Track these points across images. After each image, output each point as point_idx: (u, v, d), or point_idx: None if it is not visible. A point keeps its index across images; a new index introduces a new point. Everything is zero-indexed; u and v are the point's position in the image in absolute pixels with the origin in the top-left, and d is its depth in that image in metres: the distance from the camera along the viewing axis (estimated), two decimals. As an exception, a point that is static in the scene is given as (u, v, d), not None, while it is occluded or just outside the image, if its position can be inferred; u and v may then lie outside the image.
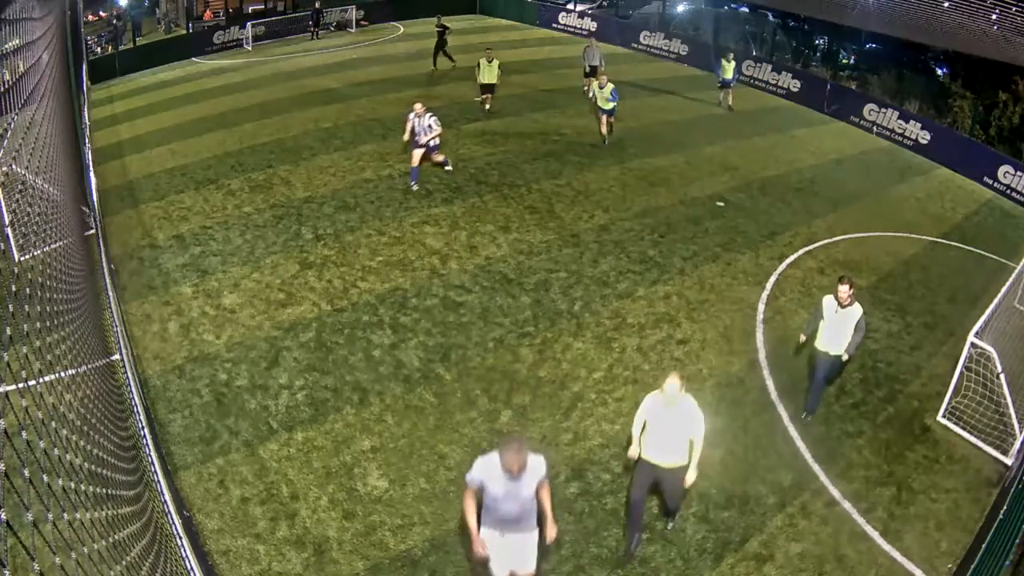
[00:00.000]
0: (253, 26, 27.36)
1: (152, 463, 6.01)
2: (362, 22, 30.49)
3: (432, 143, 13.20)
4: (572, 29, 29.58)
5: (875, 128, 19.44)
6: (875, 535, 6.74)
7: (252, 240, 11.38)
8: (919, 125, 18.61)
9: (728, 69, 20.10)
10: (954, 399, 8.34)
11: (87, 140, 13.68)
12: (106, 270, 8.97)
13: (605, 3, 34.76)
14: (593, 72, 19.37)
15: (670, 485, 6.14)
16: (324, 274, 10.41)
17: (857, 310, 7.60)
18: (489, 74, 17.74)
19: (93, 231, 10.35)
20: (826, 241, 12.55)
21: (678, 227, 12.56)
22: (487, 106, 18.20)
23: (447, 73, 22.19)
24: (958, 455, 7.88)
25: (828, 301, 7.73)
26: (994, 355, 8.87)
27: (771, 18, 29.46)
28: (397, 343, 9.03)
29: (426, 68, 22.85)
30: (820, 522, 6.85)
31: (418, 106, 12.90)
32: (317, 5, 28.65)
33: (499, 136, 16.48)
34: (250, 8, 31.71)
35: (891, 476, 7.49)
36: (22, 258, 5.71)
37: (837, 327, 7.69)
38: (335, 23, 29.91)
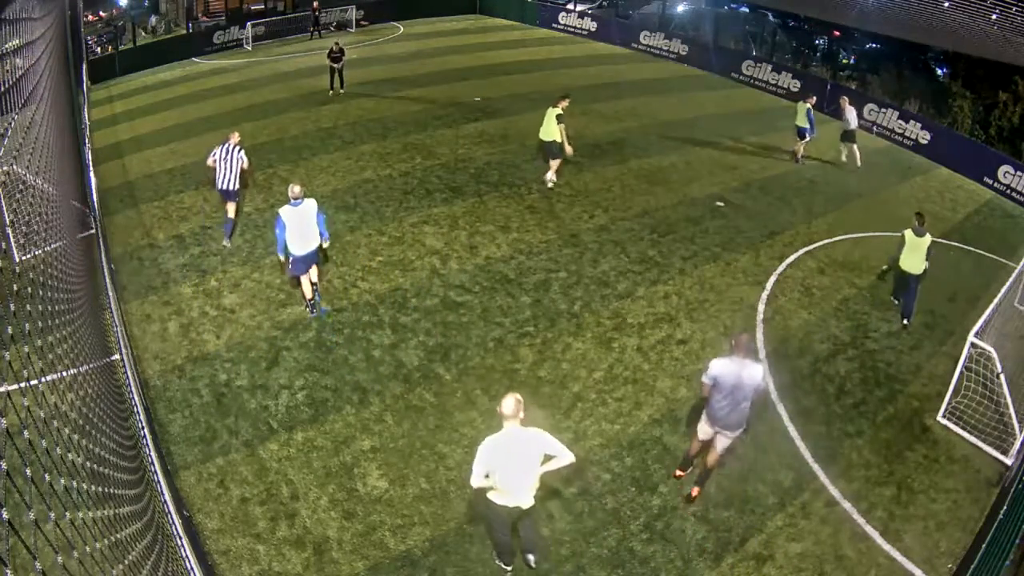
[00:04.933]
0: (253, 26, 27.37)
1: (152, 463, 6.01)
2: (362, 22, 30.50)
3: (233, 186, 10.63)
4: (572, 29, 29.58)
5: (875, 128, 19.44)
6: (875, 535, 6.74)
7: (252, 240, 11.38)
8: (919, 125, 18.62)
9: (802, 113, 15.75)
10: (954, 399, 8.34)
11: (87, 140, 13.69)
12: (106, 270, 8.97)
13: (605, 3, 34.77)
14: (850, 136, 16.04)
15: None
16: (324, 274, 10.41)
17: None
18: (548, 128, 13.04)
19: (93, 231, 10.35)
20: (826, 241, 12.55)
21: (678, 227, 12.57)
22: (550, 180, 13.65)
23: (424, 77, 22.02)
24: (958, 455, 7.89)
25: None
26: (994, 355, 8.87)
27: (771, 18, 29.49)
28: (397, 343, 9.03)
29: (425, 68, 22.85)
30: (820, 522, 6.85)
31: (234, 136, 10.86)
32: (315, 4, 28.61)
33: (499, 136, 16.49)
34: (250, 8, 31.69)
35: (891, 476, 7.50)
36: (22, 258, 5.72)
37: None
38: (335, 23, 29.90)
